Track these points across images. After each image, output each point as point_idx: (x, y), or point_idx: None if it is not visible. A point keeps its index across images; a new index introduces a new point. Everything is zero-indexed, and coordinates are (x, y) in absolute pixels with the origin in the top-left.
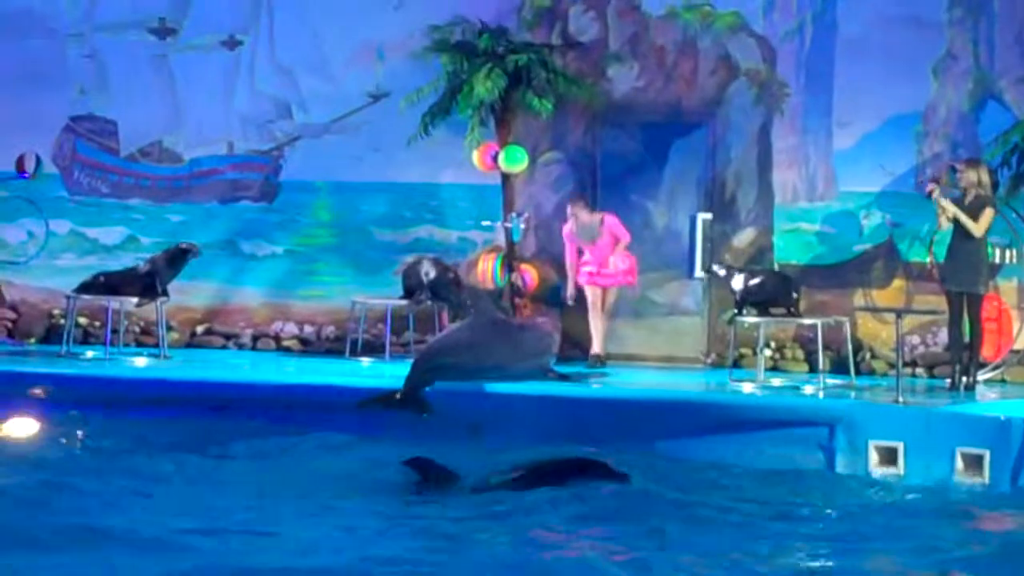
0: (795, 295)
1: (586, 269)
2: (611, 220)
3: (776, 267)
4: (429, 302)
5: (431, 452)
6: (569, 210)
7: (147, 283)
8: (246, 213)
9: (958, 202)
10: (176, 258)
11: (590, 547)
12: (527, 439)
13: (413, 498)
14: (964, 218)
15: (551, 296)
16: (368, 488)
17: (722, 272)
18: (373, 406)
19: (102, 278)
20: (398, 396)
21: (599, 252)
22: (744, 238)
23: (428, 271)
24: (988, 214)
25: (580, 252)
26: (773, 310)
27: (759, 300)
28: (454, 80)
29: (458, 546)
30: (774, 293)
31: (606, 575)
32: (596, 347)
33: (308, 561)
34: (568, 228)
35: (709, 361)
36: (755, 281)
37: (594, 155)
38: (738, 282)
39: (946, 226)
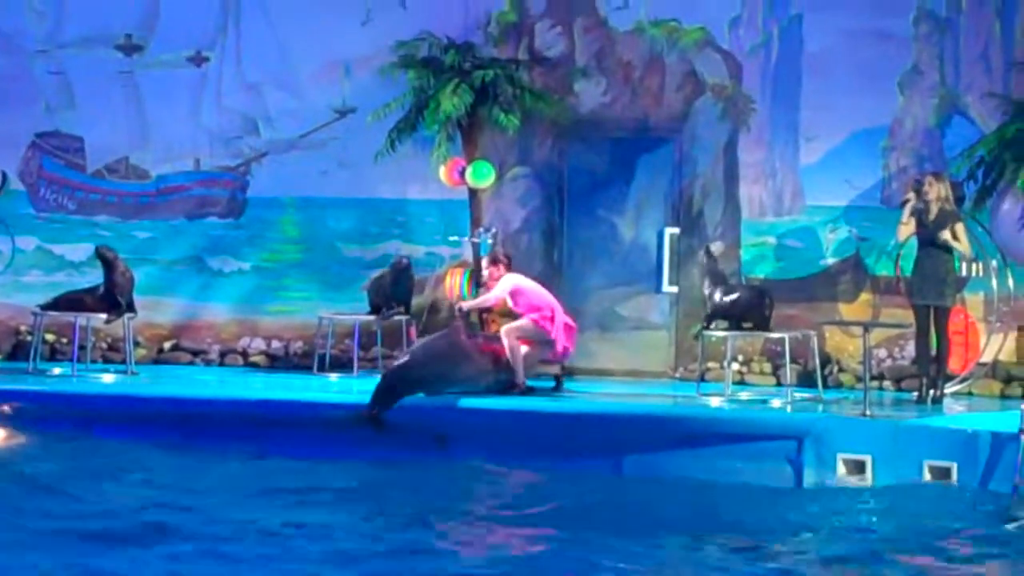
0: (768, 311)
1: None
2: (513, 285)
3: (744, 281)
4: (396, 316)
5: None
6: (484, 271)
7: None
8: (213, 229)
9: (921, 215)
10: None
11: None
12: (493, 452)
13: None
14: (956, 244)
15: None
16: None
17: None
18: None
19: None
20: (373, 411)
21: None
22: (712, 252)
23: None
24: (961, 229)
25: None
26: (744, 324)
27: (732, 315)
28: (420, 96)
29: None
30: (748, 308)
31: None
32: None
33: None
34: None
35: (677, 375)
36: (730, 297)
37: (561, 170)
38: (715, 295)
39: (904, 237)
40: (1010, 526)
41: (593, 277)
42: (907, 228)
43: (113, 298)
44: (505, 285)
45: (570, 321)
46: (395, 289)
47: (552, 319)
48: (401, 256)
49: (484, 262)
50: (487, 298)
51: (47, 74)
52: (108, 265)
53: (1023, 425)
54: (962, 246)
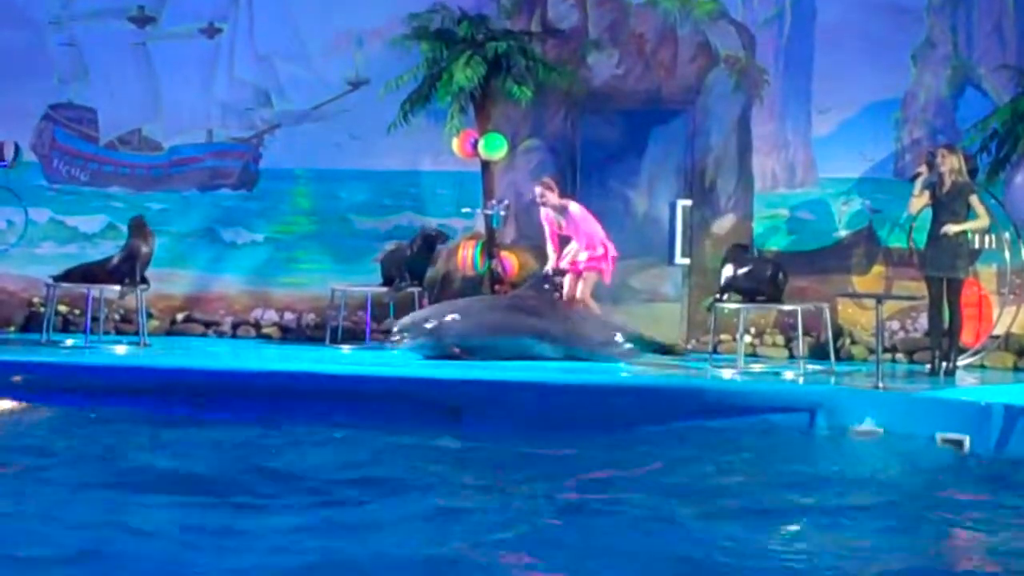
0: (782, 285)
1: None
2: (574, 211)
3: (756, 253)
4: (409, 288)
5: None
6: (537, 191)
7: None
8: (226, 201)
9: (935, 187)
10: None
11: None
12: (507, 424)
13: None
14: (972, 225)
15: (534, 282)
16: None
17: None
18: None
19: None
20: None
21: (567, 241)
22: (724, 225)
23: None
24: (977, 202)
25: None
26: (758, 297)
27: (746, 288)
28: (433, 68)
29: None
30: (761, 281)
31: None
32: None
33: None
34: (545, 212)
35: (689, 347)
36: (743, 269)
37: (574, 142)
38: (727, 269)
39: (916, 209)
40: None
41: None
42: (919, 201)
43: (131, 269)
44: (576, 209)
45: (611, 248)
46: (414, 260)
47: (605, 255)
48: (434, 229)
49: (537, 188)
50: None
51: (60, 46)
52: (142, 237)
53: None
54: (980, 222)
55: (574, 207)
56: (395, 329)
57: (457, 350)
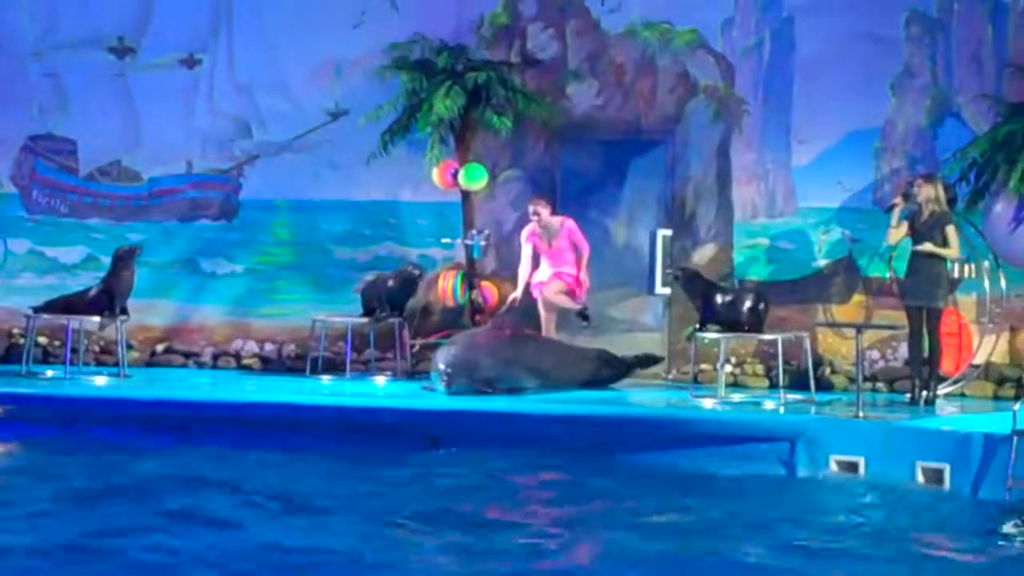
0: (763, 315)
1: (537, 279)
2: (571, 225)
3: (736, 283)
4: (389, 319)
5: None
6: (531, 208)
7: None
8: (206, 232)
9: (914, 217)
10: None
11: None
12: (486, 453)
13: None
14: (942, 251)
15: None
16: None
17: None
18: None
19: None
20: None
21: (554, 259)
22: (704, 254)
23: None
24: (952, 232)
25: (536, 261)
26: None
27: (727, 320)
28: (413, 98)
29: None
30: (742, 312)
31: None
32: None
33: None
34: (531, 229)
35: (669, 377)
36: (725, 299)
37: (553, 172)
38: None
39: (894, 241)
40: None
41: None
42: (897, 232)
43: (110, 300)
44: (572, 225)
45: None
46: (395, 293)
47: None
48: (414, 265)
49: (531, 205)
50: (585, 252)
51: (40, 76)
52: (124, 266)
53: (1016, 426)
54: (950, 251)
55: (571, 222)
56: (441, 370)
57: (490, 388)
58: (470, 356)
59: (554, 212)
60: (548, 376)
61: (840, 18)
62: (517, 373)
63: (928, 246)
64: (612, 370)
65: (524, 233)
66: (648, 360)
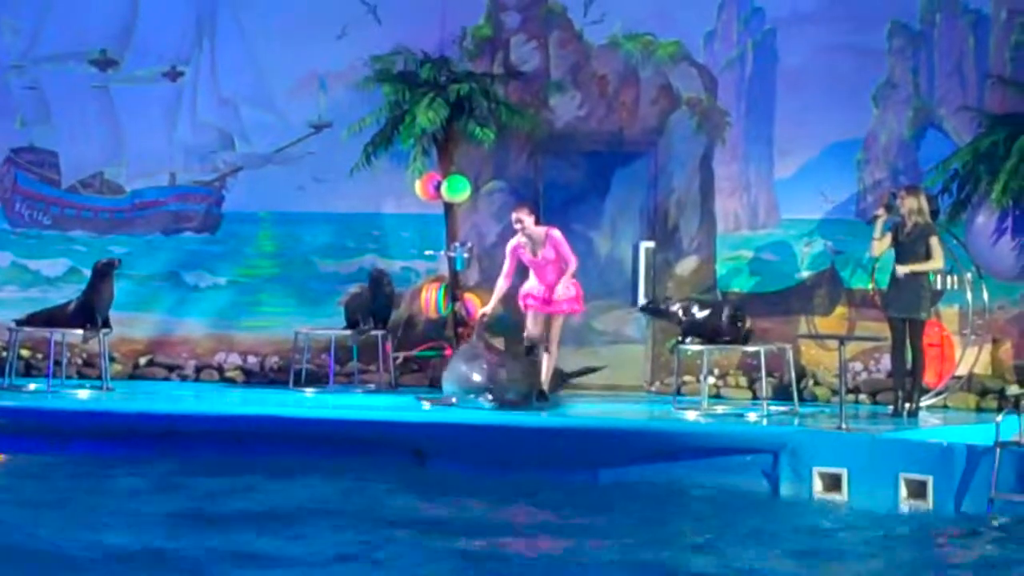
0: (744, 329)
1: (527, 290)
2: (557, 236)
3: (719, 295)
4: (372, 332)
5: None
6: (514, 216)
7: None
8: (189, 244)
9: (898, 229)
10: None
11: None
12: (471, 466)
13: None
14: (926, 266)
15: (496, 325)
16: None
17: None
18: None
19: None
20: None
21: (540, 270)
22: (687, 266)
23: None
24: (936, 243)
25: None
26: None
27: (706, 332)
28: (396, 110)
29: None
30: (721, 325)
31: None
32: (542, 381)
33: None
34: (517, 242)
35: (653, 389)
36: (703, 313)
37: (536, 184)
38: (685, 313)
39: (878, 253)
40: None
41: None
42: (880, 244)
43: (90, 313)
44: (558, 235)
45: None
46: (374, 303)
47: (578, 296)
48: (375, 267)
49: (514, 213)
50: (571, 263)
51: (22, 89)
52: (103, 279)
53: (998, 438)
54: (934, 264)
55: (557, 232)
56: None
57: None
58: (500, 372)
59: (538, 222)
60: (508, 388)
61: (822, 30)
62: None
63: (910, 267)
64: (553, 381)
65: (510, 245)
66: (586, 371)
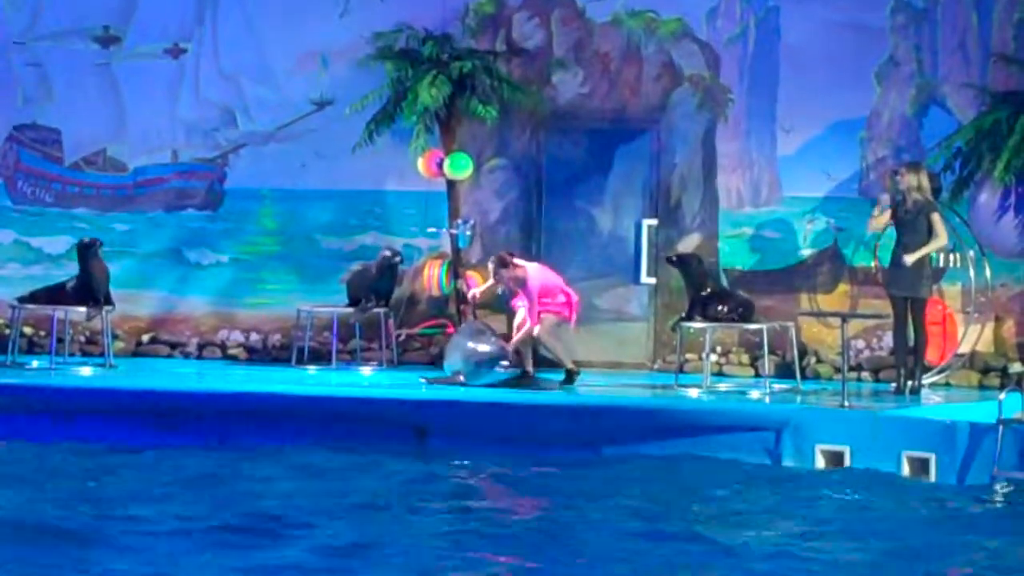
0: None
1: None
2: (527, 277)
3: (722, 273)
4: (375, 309)
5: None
6: (491, 268)
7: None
8: (191, 221)
9: (898, 206)
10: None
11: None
12: (474, 444)
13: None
14: (930, 247)
15: (497, 303)
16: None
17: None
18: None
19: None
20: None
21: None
22: (689, 243)
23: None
24: (938, 220)
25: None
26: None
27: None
28: (399, 87)
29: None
30: (723, 311)
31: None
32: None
33: None
34: (510, 294)
35: (655, 367)
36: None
37: (539, 161)
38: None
39: (873, 229)
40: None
41: (571, 269)
42: (877, 221)
43: (89, 292)
44: (533, 270)
45: (573, 295)
46: (379, 283)
47: (568, 302)
48: (391, 250)
49: (491, 267)
50: (531, 307)
51: (24, 66)
52: (91, 258)
53: (1001, 416)
54: (938, 242)
55: (531, 268)
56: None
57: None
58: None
59: (511, 257)
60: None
61: (825, 7)
62: None
63: (917, 254)
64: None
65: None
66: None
